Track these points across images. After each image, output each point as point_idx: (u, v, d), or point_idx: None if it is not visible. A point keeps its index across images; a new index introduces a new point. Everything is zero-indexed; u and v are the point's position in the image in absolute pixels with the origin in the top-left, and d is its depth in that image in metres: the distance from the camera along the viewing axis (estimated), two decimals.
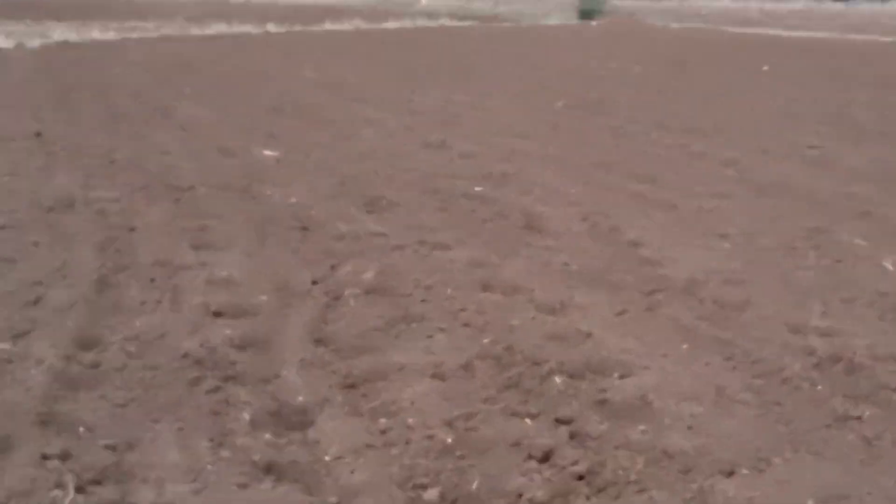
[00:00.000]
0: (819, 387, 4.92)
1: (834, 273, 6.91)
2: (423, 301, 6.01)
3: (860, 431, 4.45)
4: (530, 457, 4.13)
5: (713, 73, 21.93)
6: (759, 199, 9.14)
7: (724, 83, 19.95)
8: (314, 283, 6.32)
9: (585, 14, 50.19)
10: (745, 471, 4.06)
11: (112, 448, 4.12)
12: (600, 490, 3.92)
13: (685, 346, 5.40)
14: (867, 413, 4.64)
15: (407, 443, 4.23)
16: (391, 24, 37.53)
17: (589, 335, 5.46)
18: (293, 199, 8.57)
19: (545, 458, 4.12)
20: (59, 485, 3.83)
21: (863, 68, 24.28)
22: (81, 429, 4.27)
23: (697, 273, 6.71)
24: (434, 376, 4.87)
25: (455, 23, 41.19)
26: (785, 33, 40.50)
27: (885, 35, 40.33)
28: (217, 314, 5.70)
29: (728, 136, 12.95)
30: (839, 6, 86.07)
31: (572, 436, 4.31)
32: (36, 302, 5.79)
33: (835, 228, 8.01)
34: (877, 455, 4.27)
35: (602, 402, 4.64)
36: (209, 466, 4.01)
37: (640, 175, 10.11)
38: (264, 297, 6.01)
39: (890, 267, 7.00)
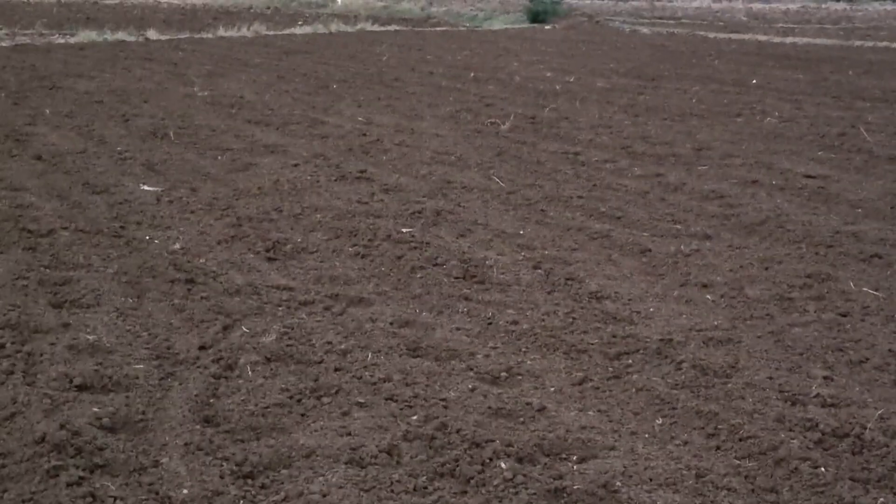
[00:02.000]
0: (822, 469, 4.95)
1: (838, 329, 6.95)
2: (337, 370, 5.96)
3: None
4: None
5: (691, 88, 22.14)
6: (748, 240, 9.24)
7: (703, 100, 20.15)
8: (202, 348, 6.24)
9: (537, 16, 50.55)
10: None
11: None
12: None
13: (659, 422, 5.43)
14: (881, 501, 4.69)
15: None
16: (299, 30, 37.58)
17: (542, 410, 5.46)
18: (177, 246, 8.50)
19: None
20: None
21: (870, 81, 24.61)
22: None
23: (674, 332, 6.75)
24: (350, 463, 4.83)
25: (378, 27, 41.36)
26: (777, 39, 41.11)
27: (895, 41, 41.04)
28: (82, 388, 5.59)
29: (709, 163, 13.08)
30: (841, 6, 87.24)
31: None
32: None
33: (838, 275, 8.10)
34: None
35: (558, 492, 4.63)
36: None
37: (604, 212, 10.18)
38: (141, 367, 5.92)
39: None
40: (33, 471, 4.70)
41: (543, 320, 6.97)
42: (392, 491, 4.60)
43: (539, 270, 8.11)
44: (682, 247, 8.88)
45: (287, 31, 36.68)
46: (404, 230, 9.16)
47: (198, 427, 5.22)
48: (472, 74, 23.83)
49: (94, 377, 5.74)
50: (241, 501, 4.54)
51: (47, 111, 16.03)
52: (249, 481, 4.69)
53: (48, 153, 12.56)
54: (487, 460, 4.89)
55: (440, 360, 6.19)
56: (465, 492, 4.64)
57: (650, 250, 8.76)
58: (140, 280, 7.57)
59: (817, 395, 5.77)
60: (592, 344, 6.54)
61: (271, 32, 36.00)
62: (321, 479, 4.67)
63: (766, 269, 8.28)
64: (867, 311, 7.30)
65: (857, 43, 40.21)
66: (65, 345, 6.22)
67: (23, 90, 18.58)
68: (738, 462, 4.97)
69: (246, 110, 16.89)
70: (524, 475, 4.76)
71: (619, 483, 4.67)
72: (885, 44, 39.73)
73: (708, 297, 7.60)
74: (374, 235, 9.00)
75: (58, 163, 11.96)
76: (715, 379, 6.01)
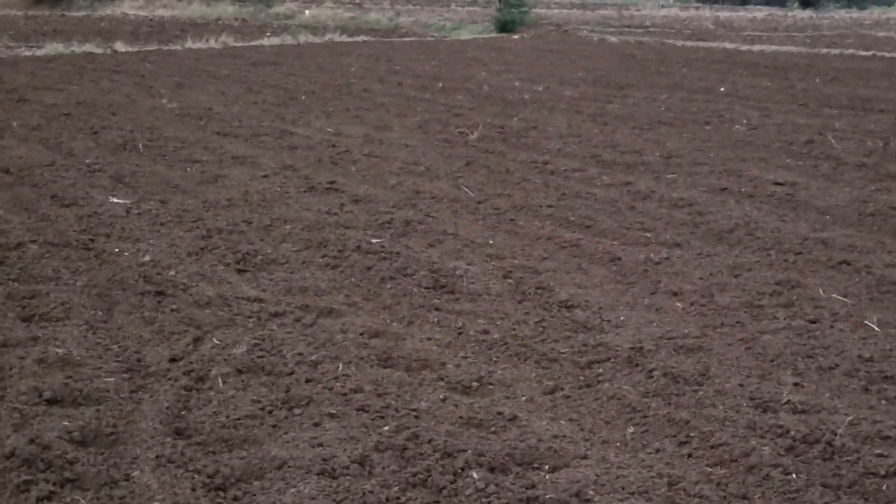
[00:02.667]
0: (793, 475, 4.97)
1: (808, 336, 6.99)
2: (308, 381, 5.95)
3: None
4: None
5: (659, 96, 22.21)
6: (717, 247, 9.29)
7: (672, 108, 20.21)
8: (173, 360, 6.22)
9: (505, 25, 50.60)
10: None
11: None
12: None
13: (631, 430, 5.44)
14: None
15: None
16: (268, 42, 37.50)
17: (513, 419, 5.46)
18: (147, 258, 8.48)
19: None
20: None
21: (836, 89, 24.75)
22: None
23: (644, 340, 6.77)
24: (322, 474, 4.82)
25: (346, 38, 41.31)
26: (745, 47, 41.23)
27: (861, 49, 41.28)
28: (51, 402, 5.56)
29: (678, 171, 13.12)
30: (807, 14, 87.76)
31: None
32: None
33: (807, 282, 8.16)
34: None
35: (530, 501, 4.63)
36: None
37: (574, 221, 10.21)
38: (111, 380, 5.89)
39: (875, 327, 7.12)
40: (3, 485, 4.68)
41: (514, 329, 6.97)
42: (364, 502, 4.59)
43: (509, 280, 8.12)
44: (651, 255, 8.91)
45: (255, 43, 36.61)
46: (374, 241, 9.16)
47: (169, 439, 5.20)
48: (440, 85, 23.85)
49: (64, 391, 5.72)
50: None
51: (14, 124, 15.95)
52: (221, 493, 4.68)
53: (15, 166, 12.50)
54: (459, 470, 4.89)
55: (411, 370, 6.19)
56: (438, 502, 4.64)
57: (620, 259, 8.78)
58: (110, 293, 7.54)
59: (788, 402, 5.80)
60: (563, 353, 6.55)
61: (239, 44, 35.93)
62: (293, 490, 4.66)
63: (736, 276, 8.32)
64: (836, 318, 7.34)
65: (824, 51, 40.44)
66: (34, 358, 6.19)
67: None
68: (709, 469, 4.99)
69: (215, 122, 16.86)
70: (496, 485, 4.76)
71: (591, 492, 4.67)
72: (850, 51, 39.95)
73: (678, 304, 7.64)
74: (344, 246, 9.00)
75: (25, 176, 11.91)
76: (686, 387, 6.02)
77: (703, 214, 10.54)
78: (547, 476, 4.85)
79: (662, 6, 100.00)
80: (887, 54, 38.74)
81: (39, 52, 29.92)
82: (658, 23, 65.59)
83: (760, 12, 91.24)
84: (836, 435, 5.35)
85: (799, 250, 9.16)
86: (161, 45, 33.98)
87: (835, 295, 7.80)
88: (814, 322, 7.23)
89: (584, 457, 5.04)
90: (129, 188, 11.30)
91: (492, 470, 4.89)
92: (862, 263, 8.71)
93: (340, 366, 6.18)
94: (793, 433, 5.37)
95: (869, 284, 8.14)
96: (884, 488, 4.85)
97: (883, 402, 5.88)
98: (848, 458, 5.13)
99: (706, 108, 20.34)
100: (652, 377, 6.17)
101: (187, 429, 5.34)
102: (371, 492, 4.68)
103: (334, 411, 5.53)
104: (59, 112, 17.55)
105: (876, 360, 6.50)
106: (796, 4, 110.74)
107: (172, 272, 8.08)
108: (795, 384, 6.08)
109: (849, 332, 7.06)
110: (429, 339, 6.76)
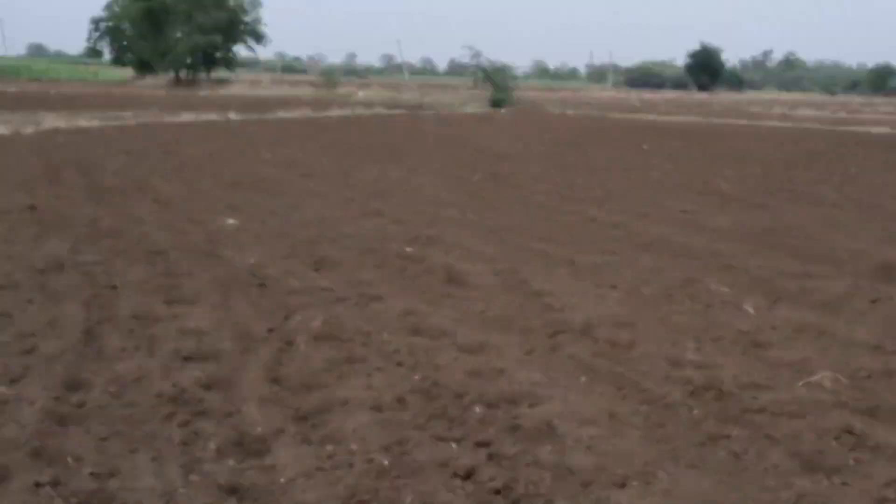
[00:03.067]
0: (695, 411, 4.98)
1: (705, 316, 7.00)
2: (363, 345, 5.96)
3: (729, 448, 4.51)
4: (455, 475, 4.12)
5: (602, 152, 22.28)
6: (642, 255, 9.24)
7: (611, 160, 20.26)
8: (270, 330, 6.24)
9: (496, 103, 50.80)
10: (635, 483, 4.09)
11: (96, 476, 4.04)
12: (514, 502, 3.93)
13: (584, 379, 5.42)
14: (735, 432, 4.70)
15: (350, 466, 4.20)
16: (334, 112, 37.64)
17: (503, 371, 5.46)
18: (251, 260, 8.48)
19: (468, 475, 4.11)
20: None
21: (724, 146, 24.85)
22: (70, 459, 4.19)
23: (592, 318, 6.72)
24: (373, 408, 4.84)
25: (387, 111, 41.43)
26: (660, 118, 41.34)
27: (740, 118, 41.41)
28: (187, 359, 5.61)
29: (615, 203, 13.13)
30: (704, 96, 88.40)
31: (490, 457, 4.31)
32: (29, 351, 5.66)
33: (704, 279, 8.13)
34: (743, 468, 4.32)
35: (515, 428, 4.63)
36: (181, 490, 3.95)
37: (544, 236, 10.19)
38: (227, 344, 5.92)
39: (750, 310, 7.11)
40: (154, 416, 4.71)
41: (502, 310, 6.97)
42: (401, 428, 4.60)
43: (499, 277, 8.11)
44: (596, 260, 8.89)
45: (325, 114, 36.65)
46: (408, 249, 9.16)
47: (267, 385, 5.24)
48: (452, 143, 23.88)
49: (196, 351, 5.75)
50: (298, 436, 4.55)
51: (162, 170, 16.02)
52: (304, 422, 4.70)
53: (162, 197, 12.56)
54: (466, 405, 4.90)
55: (433, 337, 6.18)
56: (451, 428, 4.64)
57: (574, 262, 8.76)
58: (226, 284, 7.57)
59: (690, 361, 5.78)
60: (536, 326, 6.54)
61: (314, 115, 35.98)
62: (353, 419, 4.67)
63: (655, 274, 8.31)
64: (724, 303, 7.34)
65: (715, 120, 40.55)
66: (175, 329, 6.23)
67: (145, 154, 18.57)
68: (638, 406, 4.99)
69: (298, 167, 16.88)
70: (492, 416, 4.77)
71: (556, 421, 4.67)
72: (733, 121, 40.15)
73: (615, 293, 7.61)
74: (387, 253, 8.98)
75: (169, 203, 11.95)
76: (621, 350, 6.01)
77: (631, 232, 10.54)
78: (526, 410, 4.84)
79: (603, 90, 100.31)
80: (757, 122, 38.86)
81: (178, 119, 30.02)
82: (601, 102, 65.77)
83: (671, 94, 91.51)
84: (723, 383, 5.35)
85: (698, 257, 9.15)
86: (261, 115, 34.06)
87: (723, 288, 7.80)
88: (708, 306, 7.23)
89: (551, 398, 5.03)
90: (240, 213, 11.32)
91: (489, 406, 4.89)
92: (741, 266, 8.71)
93: (385, 334, 6.18)
94: (694, 382, 5.36)
95: (745, 281, 8.13)
96: (757, 420, 4.85)
97: (756, 361, 5.87)
98: (732, 399, 5.13)
99: (634, 159, 20.41)
100: (597, 343, 6.15)
101: (280, 378, 5.35)
102: (406, 421, 4.69)
103: (381, 366, 5.55)
104: (192, 160, 17.62)
105: (750, 332, 6.49)
106: (696, 88, 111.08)
107: (269, 270, 8.10)
108: (696, 348, 6.08)
109: (731, 313, 7.05)
110: (445, 316, 6.74)
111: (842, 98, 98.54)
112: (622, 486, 4.06)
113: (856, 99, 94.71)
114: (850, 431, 4.73)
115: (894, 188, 15.72)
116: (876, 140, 29.61)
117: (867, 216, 12.30)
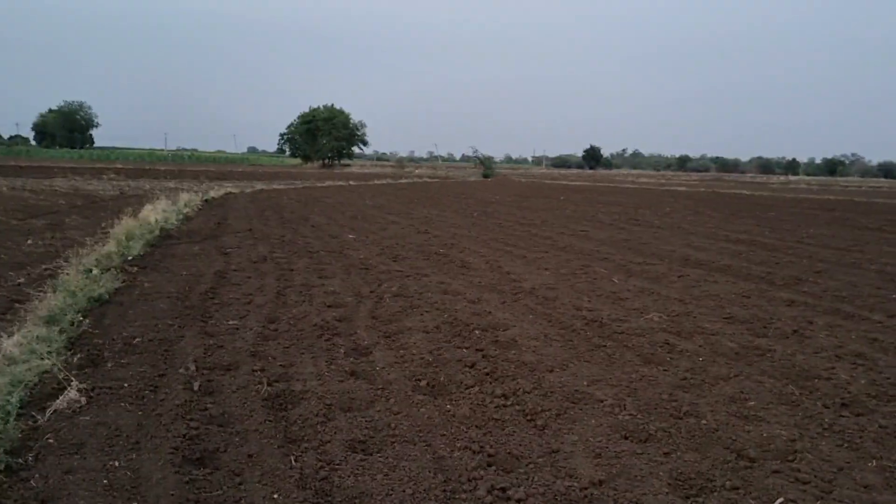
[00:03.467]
0: (588, 333, 4.96)
1: (593, 284, 6.91)
2: (418, 299, 5.96)
3: (605, 352, 4.50)
4: (465, 366, 4.13)
5: (540, 200, 22.04)
6: (559, 254, 9.16)
7: (544, 204, 20.07)
8: (371, 292, 6.25)
9: (485, 175, 50.51)
10: (558, 370, 4.09)
11: (283, 366, 4.10)
12: (497, 379, 3.94)
13: (531, 317, 5.41)
14: (608, 344, 4.66)
15: (412, 361, 4.23)
16: (403, 181, 37.55)
17: (490, 313, 5.45)
18: (361, 256, 8.49)
19: (472, 365, 4.13)
20: (259, 382, 3.81)
21: (604, 197, 24.55)
22: (269, 357, 4.25)
23: (536, 285, 6.70)
24: (423, 332, 4.84)
25: (430, 180, 41.30)
26: (569, 183, 40.85)
27: (611, 183, 40.87)
28: (328, 306, 5.63)
29: (546, 226, 13.00)
30: (592, 171, 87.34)
31: (483, 356, 4.32)
32: (249, 303, 5.68)
33: (593, 266, 8.06)
34: (612, 362, 4.31)
35: (496, 341, 4.64)
36: (325, 373, 3.98)
37: (510, 243, 10.13)
38: (349, 299, 5.94)
39: (615, 281, 7.03)
40: (312, 335, 4.73)
41: (490, 282, 6.94)
42: (438, 342, 4.59)
43: (488, 264, 8.08)
44: (536, 256, 8.82)
45: (398, 182, 36.54)
46: (441, 251, 9.12)
47: (371, 319, 5.24)
48: (463, 196, 23.76)
49: (333, 303, 5.75)
50: (387, 346, 4.56)
51: (316, 209, 16.04)
52: (388, 339, 4.71)
53: (315, 224, 12.57)
54: (471, 330, 4.90)
55: (454, 295, 6.15)
56: (464, 342, 4.62)
57: (526, 257, 8.69)
58: (348, 268, 7.56)
59: (586, 307, 5.73)
60: (507, 289, 6.50)
61: (392, 182, 35.89)
62: (413, 337, 4.67)
63: (566, 264, 8.25)
64: (603, 279, 7.26)
65: (600, 184, 39.94)
66: (322, 291, 6.23)
67: (306, 202, 18.56)
68: (560, 331, 4.96)
69: (385, 209, 16.84)
70: (484, 335, 4.75)
71: (517, 339, 4.67)
72: (607, 184, 39.51)
73: (547, 272, 7.54)
74: (431, 253, 8.93)
75: (319, 228, 11.98)
76: (550, 302, 5.96)
77: (554, 242, 10.40)
78: (502, 332, 4.83)
79: (540, 169, 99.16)
80: (620, 185, 38.15)
81: (322, 185, 29.99)
82: (539, 175, 65.09)
83: (575, 171, 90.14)
84: (602, 318, 5.33)
85: (589, 254, 9.04)
86: (365, 182, 33.94)
87: (602, 270, 7.73)
88: (595, 279, 7.15)
89: (515, 326, 5.02)
90: (356, 232, 11.30)
91: (483, 330, 4.88)
92: (614, 259, 8.62)
93: (428, 294, 6.17)
94: (587, 318, 5.33)
95: (614, 266, 8.05)
96: (619, 338, 4.82)
97: (619, 307, 5.81)
98: (607, 327, 5.11)
99: (555, 204, 20.12)
100: (538, 299, 6.11)
101: (377, 316, 5.35)
102: (440, 339, 4.68)
103: (427, 310, 5.52)
104: (330, 205, 17.59)
105: (616, 292, 6.42)
106: (588, 168, 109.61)
107: (371, 261, 8.08)
108: (588, 301, 6.02)
109: (607, 283, 6.98)
110: (460, 284, 6.72)
111: (662, 172, 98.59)
112: (551, 371, 4.08)
113: (668, 173, 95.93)
114: (667, 343, 4.72)
115: (690, 218, 15.53)
116: (680, 193, 29.27)
117: (675, 233, 12.15)
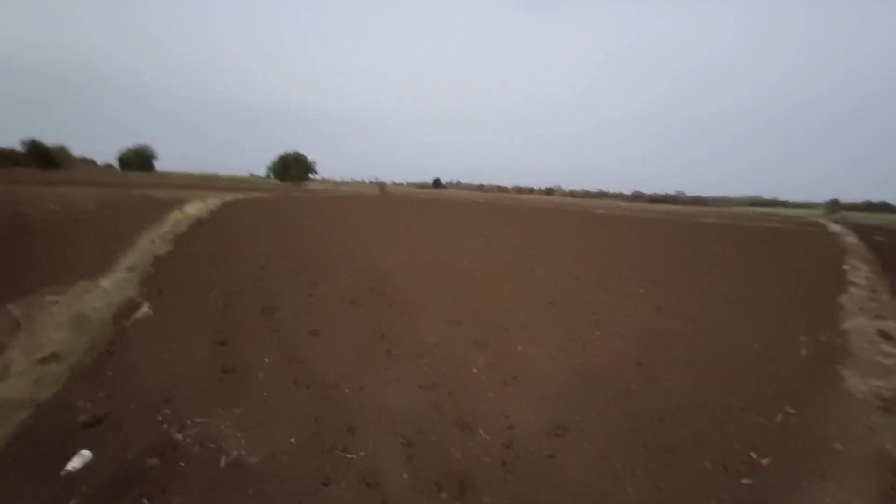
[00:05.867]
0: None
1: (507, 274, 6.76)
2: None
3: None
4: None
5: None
6: (514, 254, 8.79)
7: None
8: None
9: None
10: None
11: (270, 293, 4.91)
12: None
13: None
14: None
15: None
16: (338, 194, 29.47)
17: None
18: (319, 230, 8.22)
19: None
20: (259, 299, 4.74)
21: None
22: (262, 287, 5.00)
23: (484, 254, 7.47)
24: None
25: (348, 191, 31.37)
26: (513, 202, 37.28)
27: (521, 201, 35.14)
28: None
29: (493, 241, 11.87)
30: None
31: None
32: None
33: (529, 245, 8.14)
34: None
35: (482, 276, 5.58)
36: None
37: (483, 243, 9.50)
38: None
39: (541, 272, 6.72)
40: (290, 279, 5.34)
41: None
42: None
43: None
44: (495, 253, 8.45)
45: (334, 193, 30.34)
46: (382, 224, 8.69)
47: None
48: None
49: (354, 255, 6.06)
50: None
51: (307, 222, 13.37)
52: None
53: (314, 220, 10.57)
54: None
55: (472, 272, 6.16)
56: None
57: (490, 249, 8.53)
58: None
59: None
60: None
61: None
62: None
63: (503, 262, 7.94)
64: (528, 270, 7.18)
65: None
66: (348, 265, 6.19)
67: (284, 202, 15.68)
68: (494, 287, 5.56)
69: (339, 211, 14.11)
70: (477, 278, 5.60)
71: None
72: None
73: (492, 245, 8.43)
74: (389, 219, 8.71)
75: (321, 227, 10.01)
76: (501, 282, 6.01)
77: (504, 264, 10.08)
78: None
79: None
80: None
81: (294, 195, 24.65)
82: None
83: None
84: (553, 301, 5.72)
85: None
86: (318, 194, 29.48)
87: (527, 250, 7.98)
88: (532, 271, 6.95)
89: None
90: (315, 219, 9.46)
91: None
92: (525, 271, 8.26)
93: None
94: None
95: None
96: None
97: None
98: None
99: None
100: (498, 253, 6.97)
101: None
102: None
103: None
104: (303, 207, 15.01)
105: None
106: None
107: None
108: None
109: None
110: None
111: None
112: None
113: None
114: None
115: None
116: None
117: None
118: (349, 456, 2.52)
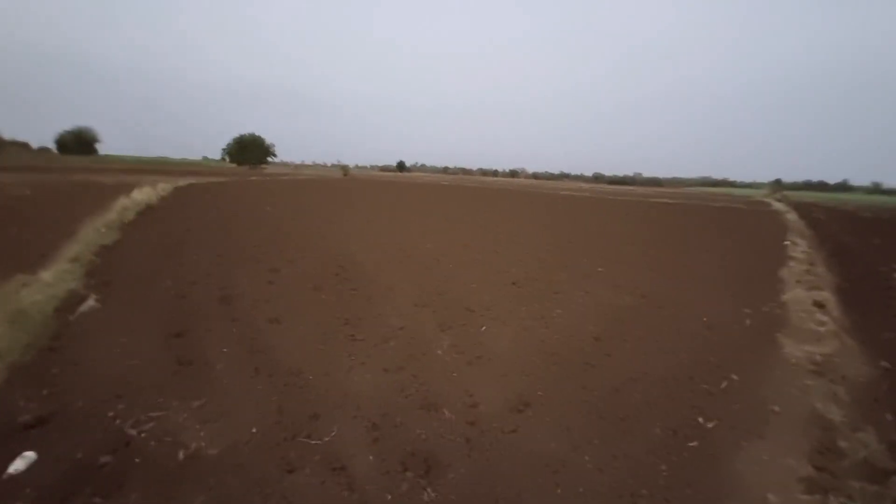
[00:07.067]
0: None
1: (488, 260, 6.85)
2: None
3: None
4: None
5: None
6: (490, 255, 9.02)
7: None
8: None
9: (344, 174, 44.36)
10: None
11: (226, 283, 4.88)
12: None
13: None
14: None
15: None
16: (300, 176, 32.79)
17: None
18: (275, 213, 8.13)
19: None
20: (217, 288, 4.67)
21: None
22: (218, 274, 5.03)
23: (466, 237, 7.21)
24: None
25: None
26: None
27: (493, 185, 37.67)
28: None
29: (475, 233, 12.67)
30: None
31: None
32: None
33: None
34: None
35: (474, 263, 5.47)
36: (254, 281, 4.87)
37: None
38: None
39: (505, 254, 6.86)
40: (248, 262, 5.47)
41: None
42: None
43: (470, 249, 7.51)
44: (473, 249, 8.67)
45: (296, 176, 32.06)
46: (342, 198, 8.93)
47: None
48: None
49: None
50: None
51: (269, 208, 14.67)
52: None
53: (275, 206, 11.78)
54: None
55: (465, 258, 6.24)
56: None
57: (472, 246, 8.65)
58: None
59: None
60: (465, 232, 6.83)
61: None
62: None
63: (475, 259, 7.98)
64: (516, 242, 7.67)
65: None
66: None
67: (245, 187, 16.90)
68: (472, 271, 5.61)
69: (293, 194, 15.42)
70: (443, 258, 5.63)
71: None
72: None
73: (467, 230, 7.96)
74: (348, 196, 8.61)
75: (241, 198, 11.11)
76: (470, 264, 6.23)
77: (469, 246, 10.13)
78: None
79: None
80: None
81: (251, 179, 23.84)
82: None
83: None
84: (515, 282, 5.91)
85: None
86: (277, 177, 28.28)
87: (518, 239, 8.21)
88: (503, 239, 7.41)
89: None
90: (274, 201, 9.75)
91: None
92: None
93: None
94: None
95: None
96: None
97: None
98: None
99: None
100: (480, 238, 6.45)
101: None
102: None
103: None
104: (259, 189, 16.29)
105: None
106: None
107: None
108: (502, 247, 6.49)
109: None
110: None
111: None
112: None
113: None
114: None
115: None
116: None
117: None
118: (314, 442, 2.50)
